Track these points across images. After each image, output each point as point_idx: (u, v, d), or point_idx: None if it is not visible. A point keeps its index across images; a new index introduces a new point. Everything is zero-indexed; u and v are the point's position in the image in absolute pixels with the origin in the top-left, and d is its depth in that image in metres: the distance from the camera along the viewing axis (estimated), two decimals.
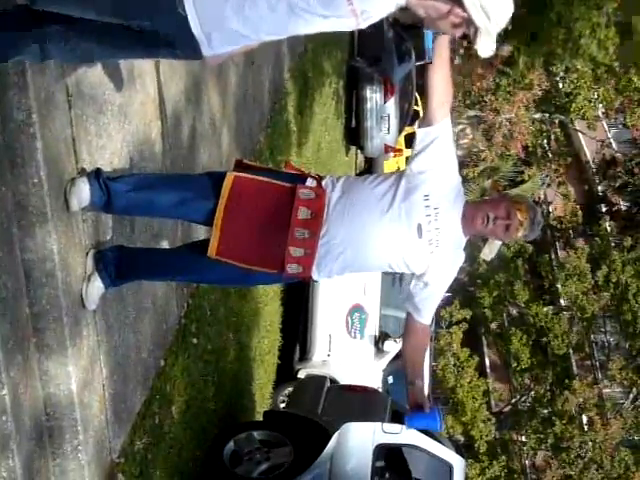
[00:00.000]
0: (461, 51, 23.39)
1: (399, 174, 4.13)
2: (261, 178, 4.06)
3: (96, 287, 4.22)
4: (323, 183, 4.07)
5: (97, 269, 4.23)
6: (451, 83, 4.07)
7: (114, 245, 4.49)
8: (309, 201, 3.98)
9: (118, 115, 4.63)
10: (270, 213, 4.00)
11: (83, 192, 3.92)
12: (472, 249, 4.52)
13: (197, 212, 4.09)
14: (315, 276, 4.10)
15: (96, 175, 3.98)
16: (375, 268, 4.37)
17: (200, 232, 5.88)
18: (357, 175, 20.15)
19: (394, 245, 4.05)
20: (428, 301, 4.23)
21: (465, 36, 3.35)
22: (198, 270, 4.25)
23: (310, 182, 4.06)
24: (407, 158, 19.24)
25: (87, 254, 4.25)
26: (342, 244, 4.01)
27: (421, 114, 19.77)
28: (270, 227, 3.99)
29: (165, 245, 5.57)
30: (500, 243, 4.31)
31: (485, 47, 3.29)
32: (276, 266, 4.02)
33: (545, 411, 23.17)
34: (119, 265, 4.27)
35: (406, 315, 4.37)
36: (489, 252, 4.37)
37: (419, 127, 4.16)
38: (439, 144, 4.04)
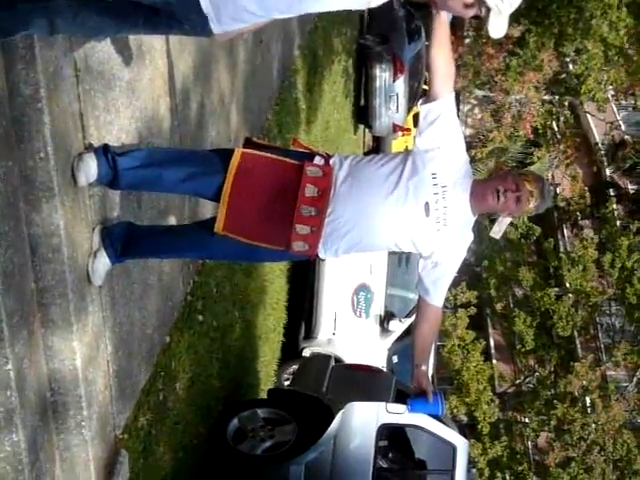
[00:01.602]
0: (471, 31, 23.29)
1: (406, 153, 4.13)
2: (269, 155, 4.05)
3: (102, 263, 4.20)
4: (331, 161, 4.06)
5: (103, 245, 4.22)
6: (452, 60, 4.09)
7: (121, 221, 4.47)
8: (316, 179, 3.97)
9: (126, 91, 4.60)
10: (277, 190, 3.99)
11: (91, 168, 3.90)
12: (479, 229, 4.51)
13: (205, 187, 4.08)
14: (321, 254, 4.10)
15: (104, 151, 3.97)
16: (382, 247, 4.35)
17: (207, 208, 5.87)
18: (365, 154, 20.14)
19: (401, 224, 4.04)
20: (439, 282, 4.23)
21: (477, 16, 3.33)
22: (204, 246, 4.24)
23: (318, 160, 4.05)
24: (415, 138, 19.14)
25: (94, 230, 4.24)
26: (348, 223, 4.00)
27: None
28: (277, 204, 3.98)
29: (172, 222, 5.55)
30: (509, 220, 4.29)
31: (497, 28, 3.26)
32: (282, 243, 4.02)
33: (548, 393, 23.18)
34: (126, 241, 4.26)
35: (418, 299, 4.36)
36: (499, 230, 4.36)
37: (422, 104, 4.15)
38: (443, 120, 4.05)
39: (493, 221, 4.39)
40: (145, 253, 4.50)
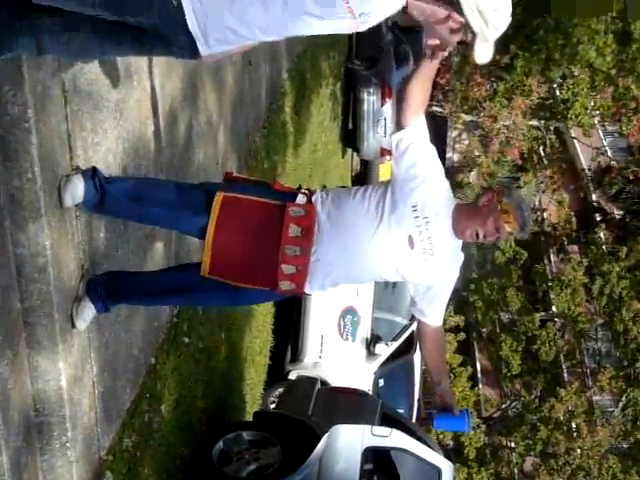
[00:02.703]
0: (458, 57, 23.44)
1: (385, 186, 4.11)
2: (250, 197, 4.05)
3: (87, 308, 4.20)
4: (313, 199, 4.07)
5: (88, 292, 4.22)
6: (427, 99, 4.09)
7: (105, 272, 4.47)
8: (299, 218, 3.98)
9: (114, 112, 4.62)
10: (261, 231, 4.00)
11: (77, 189, 3.90)
12: (467, 257, 4.47)
13: (189, 226, 4.12)
14: (307, 290, 4.12)
15: (92, 174, 3.97)
16: (368, 280, 4.44)
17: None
18: (353, 177, 20.18)
19: (386, 259, 4.06)
20: (434, 303, 4.25)
21: (462, 42, 3.36)
22: (190, 292, 4.26)
23: (300, 199, 4.06)
24: None
25: (81, 277, 4.25)
26: (333, 262, 4.03)
27: None
28: (261, 245, 4.00)
29: (159, 244, 5.55)
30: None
31: (482, 54, 3.28)
32: (269, 283, 4.03)
33: (534, 417, 23.18)
34: (111, 287, 4.28)
35: (417, 322, 4.37)
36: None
37: (393, 134, 4.16)
38: (416, 147, 4.05)
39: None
40: (129, 299, 4.48)
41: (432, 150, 4.12)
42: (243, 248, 4.00)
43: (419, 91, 3.99)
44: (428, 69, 3.90)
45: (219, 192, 4.01)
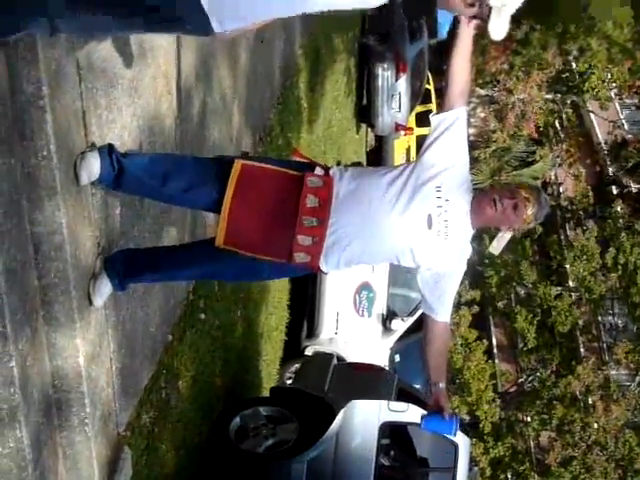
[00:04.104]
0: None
1: (411, 164, 4.11)
2: (269, 166, 4.05)
3: (104, 285, 4.21)
4: (330, 172, 4.06)
5: (105, 268, 4.24)
6: (470, 72, 4.08)
7: (121, 250, 4.50)
8: (317, 189, 3.96)
9: (128, 89, 4.62)
10: (278, 201, 3.99)
11: (93, 166, 3.91)
12: (482, 231, 4.53)
13: (205, 199, 4.09)
14: (323, 267, 4.10)
15: (109, 151, 3.97)
16: (383, 259, 4.37)
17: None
18: (368, 153, 20.14)
19: (403, 236, 4.04)
20: (443, 297, 4.22)
21: (476, 17, 3.34)
22: (206, 261, 4.24)
23: (318, 170, 4.05)
24: (417, 137, 19.20)
25: (97, 255, 4.26)
26: (350, 235, 4.00)
27: (432, 93, 19.69)
28: (278, 215, 3.98)
29: (175, 220, 5.56)
30: (509, 236, 4.29)
31: (498, 28, 3.26)
32: (284, 255, 4.01)
33: (550, 392, 23.19)
34: (127, 263, 4.29)
35: (423, 317, 4.35)
36: (497, 245, 4.38)
37: (435, 114, 4.15)
38: (454, 131, 4.04)
39: (493, 238, 4.42)
40: (146, 272, 4.43)
41: (466, 138, 4.12)
42: (259, 217, 3.99)
43: (462, 69, 3.99)
44: (467, 34, 3.88)
45: (237, 160, 4.01)
